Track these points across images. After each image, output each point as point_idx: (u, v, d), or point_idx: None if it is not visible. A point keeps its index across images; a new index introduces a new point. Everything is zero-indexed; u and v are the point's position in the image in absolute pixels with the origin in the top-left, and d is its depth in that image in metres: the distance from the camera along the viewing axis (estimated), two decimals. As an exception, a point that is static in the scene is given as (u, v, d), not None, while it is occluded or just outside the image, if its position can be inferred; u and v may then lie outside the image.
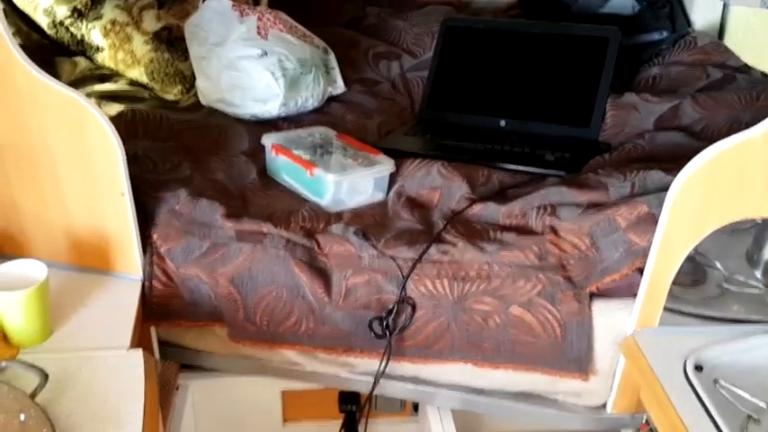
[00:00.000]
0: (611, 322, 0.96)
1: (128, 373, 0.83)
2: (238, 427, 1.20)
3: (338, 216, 1.09)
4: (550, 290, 0.95)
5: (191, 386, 1.12)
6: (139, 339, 0.95)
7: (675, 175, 0.86)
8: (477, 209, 1.08)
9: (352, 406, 1.19)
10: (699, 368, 0.88)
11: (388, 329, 1.00)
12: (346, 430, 1.18)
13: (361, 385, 1.08)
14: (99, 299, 0.96)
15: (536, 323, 0.96)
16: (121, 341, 0.89)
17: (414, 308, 1.00)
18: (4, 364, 0.79)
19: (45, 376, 0.77)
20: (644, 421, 0.97)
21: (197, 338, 1.08)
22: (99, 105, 1.32)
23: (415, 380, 1.08)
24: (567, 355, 0.97)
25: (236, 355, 1.09)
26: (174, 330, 1.07)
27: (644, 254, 0.92)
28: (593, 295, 0.96)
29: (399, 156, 1.19)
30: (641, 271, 0.93)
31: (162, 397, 1.06)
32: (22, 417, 0.73)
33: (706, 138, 1.24)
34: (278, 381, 1.14)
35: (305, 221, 1.06)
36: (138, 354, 0.86)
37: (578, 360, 0.96)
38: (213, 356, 1.10)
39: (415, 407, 1.24)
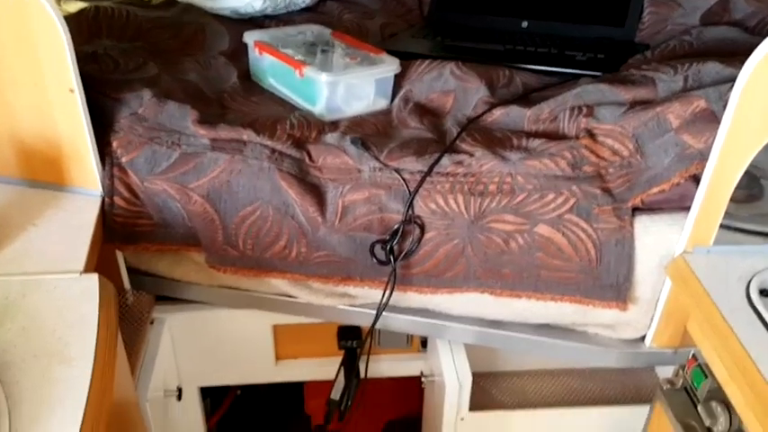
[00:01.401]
0: (657, 241, 0.81)
1: (80, 300, 0.69)
2: (225, 366, 1.07)
3: (333, 125, 0.93)
4: (585, 204, 0.80)
5: (168, 320, 0.98)
6: (103, 265, 0.81)
7: (736, 68, 0.70)
8: (498, 114, 0.92)
9: (353, 342, 1.06)
10: (765, 293, 0.74)
11: (393, 254, 0.86)
12: (346, 368, 1.06)
13: (362, 319, 0.95)
14: (51, 217, 0.82)
15: (567, 244, 0.81)
16: (75, 265, 0.74)
17: (422, 229, 0.85)
18: (-76, 289, 0.65)
19: (-26, 303, 0.64)
20: (690, 356, 0.84)
21: (172, 266, 0.93)
22: (59, 4, 1.15)
23: (424, 312, 0.94)
24: (602, 281, 0.82)
25: (219, 286, 0.95)
26: (144, 256, 0.93)
27: (700, 158, 0.76)
28: (636, 210, 0.81)
29: (406, 58, 1.03)
30: (696, 179, 0.77)
31: (133, 331, 0.93)
32: (-55, 352, 0.60)
33: (761, 33, 1.07)
34: (268, 314, 1.00)
35: (293, 129, 0.90)
36: (93, 278, 0.72)
37: (616, 286, 0.82)
38: (192, 287, 0.96)
39: (423, 342, 1.11)
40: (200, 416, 1.11)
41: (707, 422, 0.78)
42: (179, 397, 1.01)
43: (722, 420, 0.76)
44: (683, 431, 0.80)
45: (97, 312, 0.68)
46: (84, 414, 0.58)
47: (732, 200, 0.86)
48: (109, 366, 0.64)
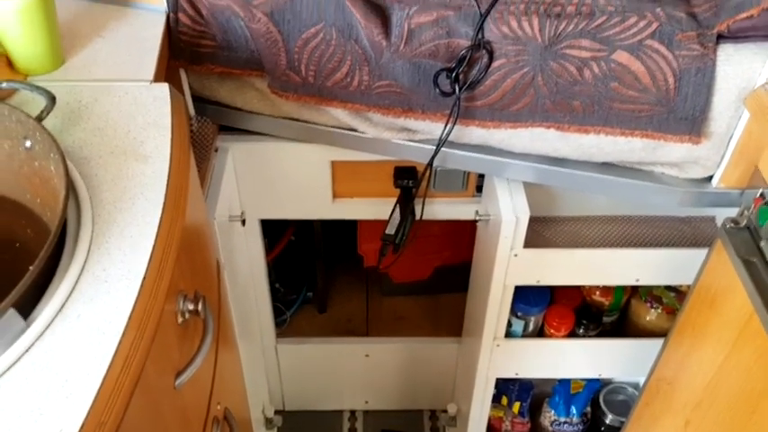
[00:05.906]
0: (738, 72, 0.77)
1: (151, 106, 0.70)
2: (286, 200, 1.09)
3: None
4: (668, 29, 0.76)
5: (231, 149, 1.00)
6: (167, 82, 0.81)
7: None
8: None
9: (409, 181, 1.07)
10: None
11: (458, 83, 0.84)
12: (401, 206, 1.07)
13: (421, 154, 0.95)
14: (117, 31, 0.81)
15: (644, 73, 0.78)
16: (144, 74, 0.75)
17: (491, 56, 0.82)
18: (4, 84, 0.67)
19: (52, 99, 0.65)
20: (758, 195, 0.81)
21: (234, 92, 0.93)
22: None
23: (484, 149, 0.93)
24: (677, 113, 0.80)
25: (280, 116, 0.96)
26: (207, 82, 0.92)
27: (799, -22, 0.70)
28: (720, 38, 0.76)
29: None
30: (791, 4, 0.72)
31: (199, 158, 0.95)
32: (28, 143, 0.61)
33: None
34: (327, 149, 1.01)
35: (359, -51, 0.86)
36: (164, 87, 0.72)
37: (691, 119, 0.79)
38: (254, 117, 0.96)
39: (479, 187, 1.11)
40: (261, 247, 1.15)
41: (770, 257, 0.77)
42: (243, 222, 1.05)
43: (787, 255, 0.75)
44: (743, 267, 0.80)
45: (170, 117, 0.69)
46: (164, 205, 0.60)
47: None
48: (184, 165, 0.66)
